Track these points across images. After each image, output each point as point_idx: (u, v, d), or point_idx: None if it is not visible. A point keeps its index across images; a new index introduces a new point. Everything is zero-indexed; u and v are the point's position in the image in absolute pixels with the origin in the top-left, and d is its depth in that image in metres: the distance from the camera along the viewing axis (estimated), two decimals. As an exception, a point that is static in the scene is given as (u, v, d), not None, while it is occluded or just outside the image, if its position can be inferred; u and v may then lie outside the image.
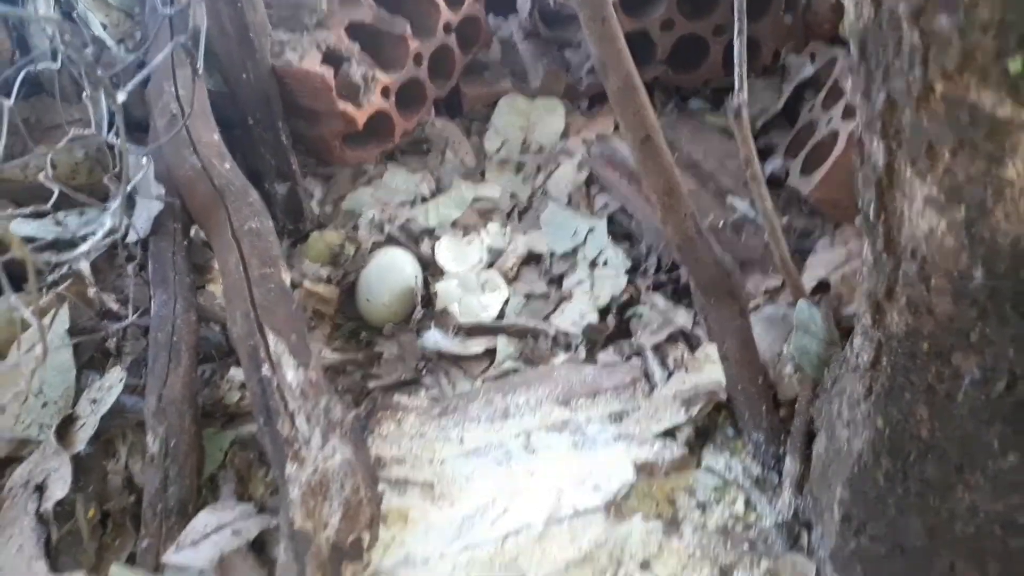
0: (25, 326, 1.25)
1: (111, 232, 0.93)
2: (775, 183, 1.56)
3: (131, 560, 1.03)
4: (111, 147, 1.43)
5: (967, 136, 0.59)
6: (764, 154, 1.67)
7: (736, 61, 1.14)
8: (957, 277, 0.65)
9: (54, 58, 1.37)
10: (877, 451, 0.79)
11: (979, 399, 0.66)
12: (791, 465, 1.03)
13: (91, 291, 1.19)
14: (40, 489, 1.08)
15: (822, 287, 1.32)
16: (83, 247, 0.82)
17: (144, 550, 1.02)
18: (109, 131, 1.27)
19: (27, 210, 1.08)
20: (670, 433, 1.11)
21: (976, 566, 0.72)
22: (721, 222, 1.48)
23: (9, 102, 1.08)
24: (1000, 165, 0.58)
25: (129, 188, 1.09)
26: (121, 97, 0.84)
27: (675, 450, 1.07)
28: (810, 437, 1.04)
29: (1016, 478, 0.66)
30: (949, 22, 0.57)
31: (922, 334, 0.71)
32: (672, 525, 0.99)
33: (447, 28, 1.83)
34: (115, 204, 0.92)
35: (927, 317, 0.70)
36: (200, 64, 0.99)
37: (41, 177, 1.17)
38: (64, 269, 1.17)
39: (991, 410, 0.66)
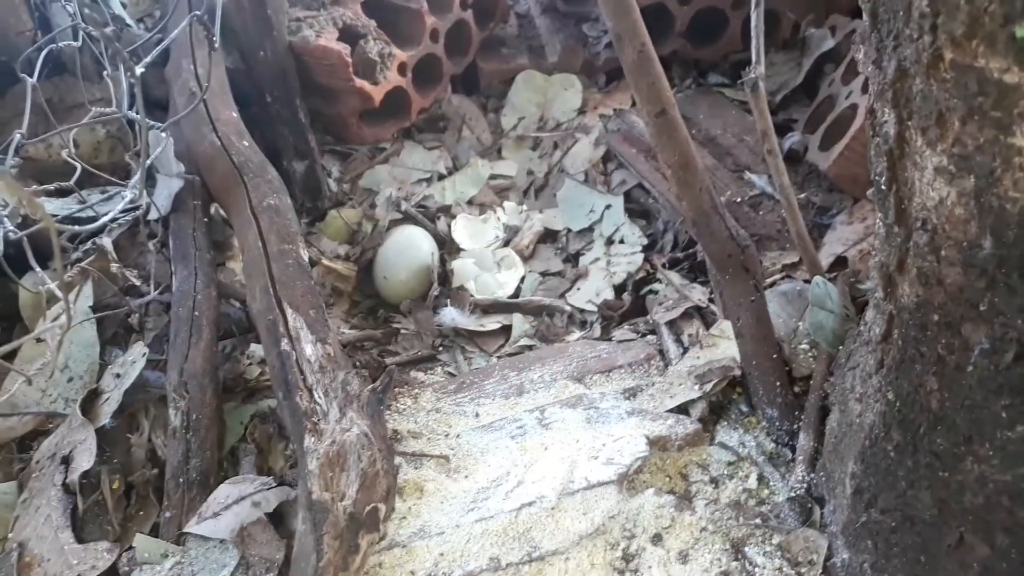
0: (51, 302, 1.28)
1: (133, 206, 0.95)
2: (794, 158, 1.55)
3: (154, 531, 1.05)
4: (132, 125, 1.45)
5: (976, 104, 0.59)
6: (783, 129, 1.66)
7: (753, 34, 1.13)
8: (966, 247, 0.65)
9: (75, 37, 1.39)
10: (888, 423, 0.79)
11: (988, 370, 0.66)
12: (805, 440, 1.03)
13: (114, 267, 1.21)
14: (66, 461, 1.10)
15: (840, 263, 1.31)
16: (106, 217, 0.83)
17: (167, 521, 1.04)
18: (130, 108, 1.28)
19: (51, 187, 1.10)
20: (684, 409, 1.11)
21: (984, 537, 0.72)
22: (739, 198, 1.47)
23: (33, 80, 1.10)
24: (1008, 133, 0.57)
25: (150, 161, 1.10)
26: (139, 69, 0.84)
27: (688, 425, 1.07)
28: (824, 413, 1.04)
29: (1023, 449, 0.65)
30: (957, -13, 0.56)
31: (932, 305, 0.71)
32: (684, 499, 0.99)
33: (463, 3, 1.82)
34: (136, 176, 0.93)
35: (937, 288, 0.70)
36: (217, 37, 1.00)
37: (64, 155, 1.20)
38: (88, 244, 1.19)
39: (1000, 381, 0.65)
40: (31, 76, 1.16)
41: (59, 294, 0.83)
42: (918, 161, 0.69)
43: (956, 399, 0.70)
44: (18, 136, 0.85)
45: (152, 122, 1.09)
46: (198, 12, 0.94)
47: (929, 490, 0.76)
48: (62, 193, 1.44)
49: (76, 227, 0.82)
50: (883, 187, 0.76)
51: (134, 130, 1.42)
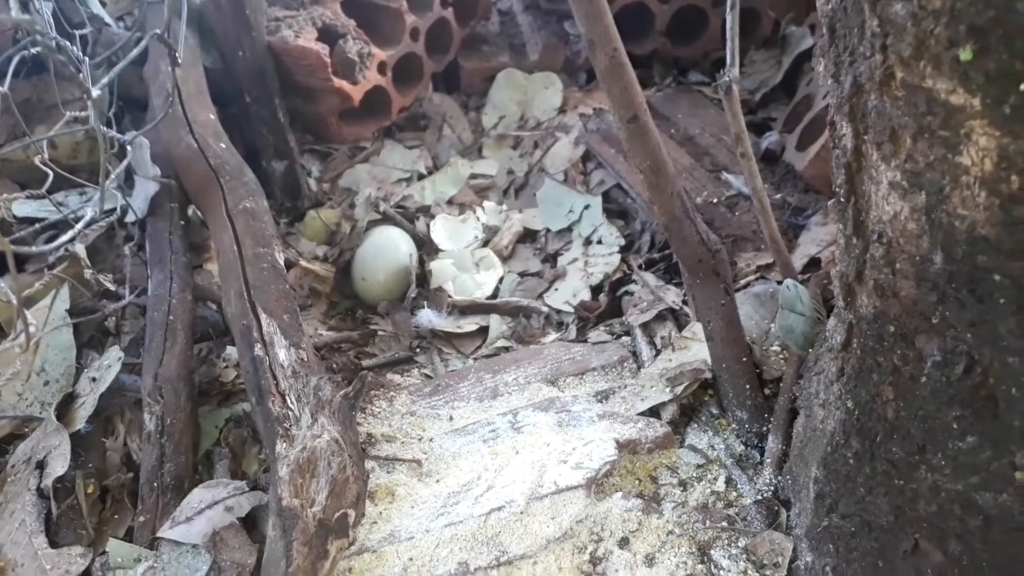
0: (29, 304, 1.28)
1: (96, 220, 0.95)
2: (771, 158, 1.55)
3: (128, 535, 1.06)
4: (110, 125, 1.45)
5: (925, 122, 0.60)
6: (762, 128, 1.66)
7: (728, 36, 1.14)
8: (919, 261, 0.66)
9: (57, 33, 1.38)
10: (847, 431, 0.80)
11: (940, 381, 0.67)
12: (773, 443, 1.04)
13: (87, 273, 1.22)
14: (41, 466, 1.11)
15: (814, 264, 1.32)
16: (68, 234, 0.84)
17: (140, 525, 1.05)
18: (109, 108, 1.28)
19: (23, 195, 1.10)
20: (655, 411, 1.12)
21: (938, 544, 0.73)
22: (715, 198, 1.48)
23: (3, 88, 1.09)
24: (956, 152, 0.58)
25: (119, 170, 1.10)
26: (96, 92, 0.85)
27: (658, 428, 1.08)
28: (793, 415, 1.05)
29: (974, 459, 0.66)
30: (904, 9, 0.57)
31: (889, 317, 0.72)
32: (652, 502, 1.00)
33: (444, 2, 1.82)
34: (96, 196, 0.93)
35: (893, 300, 0.71)
36: (180, 53, 1.00)
37: (37, 160, 1.20)
38: (61, 251, 1.20)
39: (951, 392, 0.66)
40: (2, 82, 1.16)
41: (13, 299, 0.83)
42: (874, 175, 0.70)
43: (910, 409, 0.71)
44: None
45: (118, 135, 1.09)
46: (157, 31, 0.94)
47: (886, 497, 0.77)
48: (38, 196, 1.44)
49: (41, 243, 0.82)
50: (842, 199, 0.76)
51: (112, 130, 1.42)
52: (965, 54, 0.54)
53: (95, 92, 0.85)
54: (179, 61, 1.03)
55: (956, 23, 0.53)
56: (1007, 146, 0.55)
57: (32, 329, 0.88)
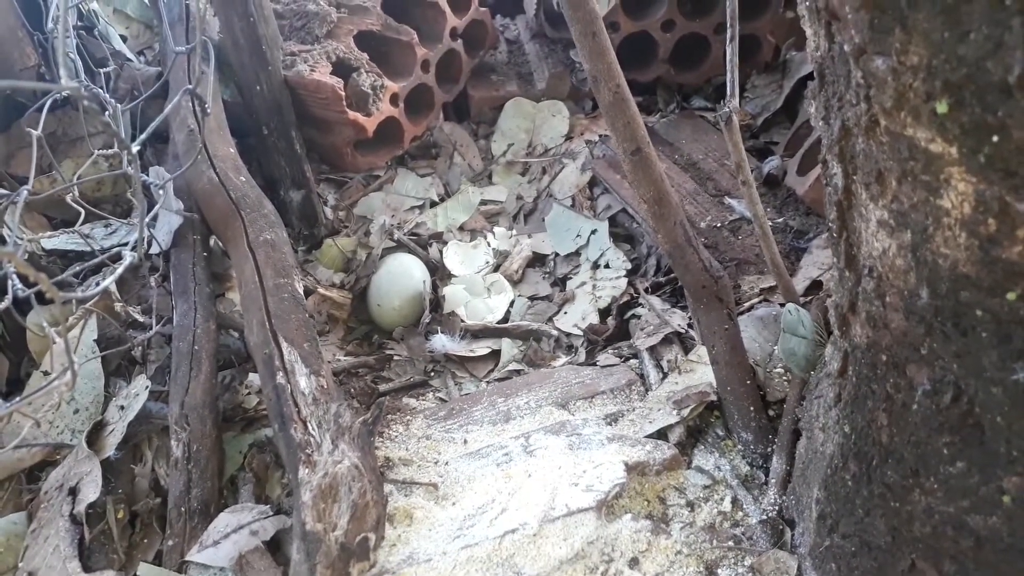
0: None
1: (135, 264, 1.00)
2: (773, 182, 1.59)
3: (158, 559, 1.10)
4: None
5: (908, 167, 0.64)
6: (764, 152, 1.70)
7: (728, 68, 1.18)
8: (907, 295, 0.69)
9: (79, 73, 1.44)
10: (845, 455, 0.84)
11: (930, 409, 0.71)
12: (777, 464, 1.08)
13: (117, 306, 1.27)
14: (73, 492, 1.15)
15: (816, 286, 1.36)
16: (105, 283, 0.89)
17: (169, 549, 1.09)
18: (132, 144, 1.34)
19: (56, 234, 1.15)
20: (663, 433, 1.16)
21: (934, 564, 0.77)
22: (719, 223, 1.52)
23: (38, 132, 1.15)
24: (937, 195, 0.62)
25: (151, 215, 1.16)
26: (135, 147, 0.90)
27: (666, 450, 1.12)
28: (797, 436, 1.09)
29: (964, 484, 0.70)
30: (884, 64, 0.61)
31: (881, 346, 0.76)
32: (661, 523, 1.04)
33: (453, 34, 1.87)
34: (134, 238, 0.98)
35: (884, 331, 0.74)
36: (209, 105, 1.05)
37: (68, 199, 1.25)
38: (94, 286, 1.25)
39: (940, 419, 0.70)
40: (37, 111, 1.22)
41: (53, 337, 0.88)
42: (863, 213, 0.73)
43: (903, 435, 0.75)
44: (25, 192, 0.90)
45: (149, 179, 1.14)
46: (189, 87, 0.99)
47: (883, 518, 0.80)
48: (68, 224, 1.50)
49: (79, 295, 0.87)
50: (835, 234, 0.80)
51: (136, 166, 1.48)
52: (941, 107, 0.58)
53: (135, 148, 0.90)
54: (208, 111, 1.08)
55: (932, 79, 0.57)
56: (983, 192, 0.58)
57: (67, 376, 0.93)
